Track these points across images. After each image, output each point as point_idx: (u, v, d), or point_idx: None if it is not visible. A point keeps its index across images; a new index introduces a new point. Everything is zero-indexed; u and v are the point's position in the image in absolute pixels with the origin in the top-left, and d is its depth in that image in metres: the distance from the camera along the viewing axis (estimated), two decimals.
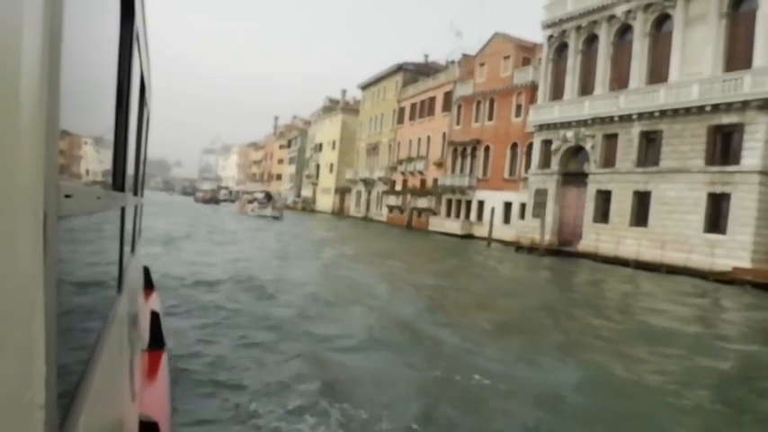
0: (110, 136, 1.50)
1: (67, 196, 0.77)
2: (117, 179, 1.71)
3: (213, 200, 72.26)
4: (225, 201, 79.42)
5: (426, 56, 53.32)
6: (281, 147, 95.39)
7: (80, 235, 1.04)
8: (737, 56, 23.62)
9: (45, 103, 0.58)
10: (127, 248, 2.18)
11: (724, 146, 23.69)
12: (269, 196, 53.13)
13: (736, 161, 22.85)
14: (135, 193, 2.74)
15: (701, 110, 24.12)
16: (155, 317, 4.10)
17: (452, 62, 44.82)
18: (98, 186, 1.33)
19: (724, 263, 21.96)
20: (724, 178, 23.21)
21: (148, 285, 5.40)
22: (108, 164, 1.53)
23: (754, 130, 22.32)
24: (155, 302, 5.04)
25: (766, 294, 18.39)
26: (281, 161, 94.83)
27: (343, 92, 73.72)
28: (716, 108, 23.55)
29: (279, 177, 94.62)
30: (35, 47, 0.54)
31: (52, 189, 0.63)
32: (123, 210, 1.93)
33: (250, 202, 50.91)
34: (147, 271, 5.59)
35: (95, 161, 1.25)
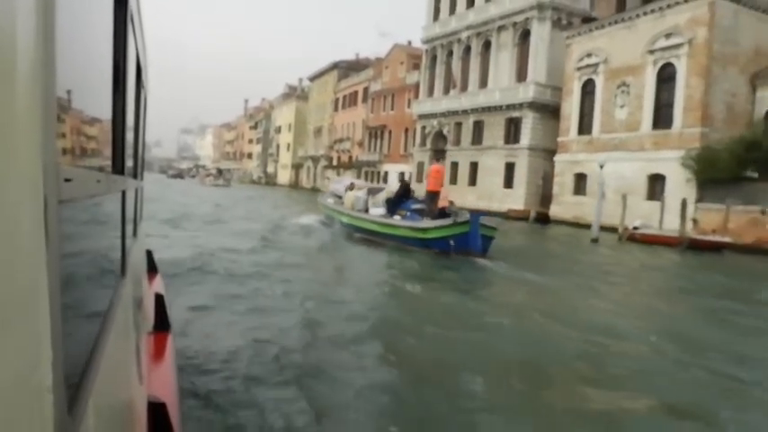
0: (108, 119, 1.49)
1: (67, 180, 0.77)
2: (117, 162, 1.71)
3: (179, 175, 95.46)
4: (191, 176, 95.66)
5: (357, 54, 65.01)
6: (250, 128, 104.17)
7: (81, 219, 1.03)
8: (522, 73, 35.97)
9: (41, 86, 0.58)
10: (129, 232, 2.19)
11: (514, 131, 36.14)
12: (220, 171, 72.64)
13: (518, 141, 35.37)
14: (135, 177, 2.74)
15: (501, 108, 36.52)
16: (159, 299, 4.03)
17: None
18: (98, 170, 1.31)
19: (510, 207, 34.63)
20: (513, 153, 35.74)
21: (152, 268, 5.37)
22: (107, 147, 1.52)
23: (527, 122, 34.83)
24: (159, 285, 4.95)
25: (519, 222, 30.65)
26: (250, 141, 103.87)
27: (300, 80, 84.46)
28: (509, 107, 35.97)
29: (249, 156, 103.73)
30: (29, 29, 0.54)
31: (52, 173, 0.63)
32: (124, 193, 1.93)
33: (207, 176, 67.39)
34: (150, 254, 5.53)
35: (94, 144, 1.25)
